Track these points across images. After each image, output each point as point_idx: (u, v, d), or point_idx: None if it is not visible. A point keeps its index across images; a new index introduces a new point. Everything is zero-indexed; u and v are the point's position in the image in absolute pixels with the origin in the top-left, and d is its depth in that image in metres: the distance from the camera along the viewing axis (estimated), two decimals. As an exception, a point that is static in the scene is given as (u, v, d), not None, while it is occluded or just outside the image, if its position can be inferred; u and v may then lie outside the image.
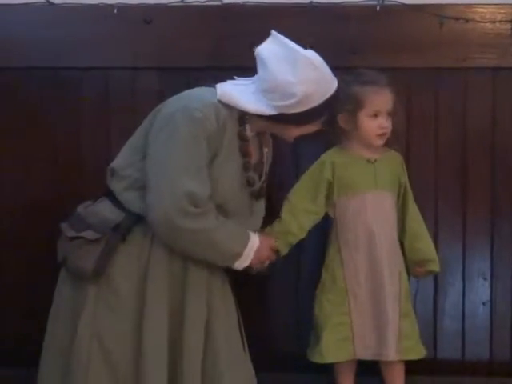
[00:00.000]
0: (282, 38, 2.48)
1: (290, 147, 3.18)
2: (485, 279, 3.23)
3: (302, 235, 2.91)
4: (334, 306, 2.91)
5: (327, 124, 2.93)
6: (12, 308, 3.23)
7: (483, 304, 3.24)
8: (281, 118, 2.48)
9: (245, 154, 2.52)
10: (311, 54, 2.47)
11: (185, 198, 2.34)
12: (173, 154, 2.39)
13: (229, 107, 2.48)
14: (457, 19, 3.15)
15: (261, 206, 2.67)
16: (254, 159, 2.57)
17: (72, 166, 3.22)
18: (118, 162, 2.53)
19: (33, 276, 3.19)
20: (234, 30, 3.10)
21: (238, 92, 2.49)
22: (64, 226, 2.54)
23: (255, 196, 2.58)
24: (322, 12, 3.19)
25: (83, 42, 3.19)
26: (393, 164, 2.97)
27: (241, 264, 2.50)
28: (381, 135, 2.87)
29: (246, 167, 2.53)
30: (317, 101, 2.45)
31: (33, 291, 3.16)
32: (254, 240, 2.53)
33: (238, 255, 2.47)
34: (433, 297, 3.23)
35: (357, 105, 2.84)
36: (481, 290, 3.23)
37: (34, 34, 3.20)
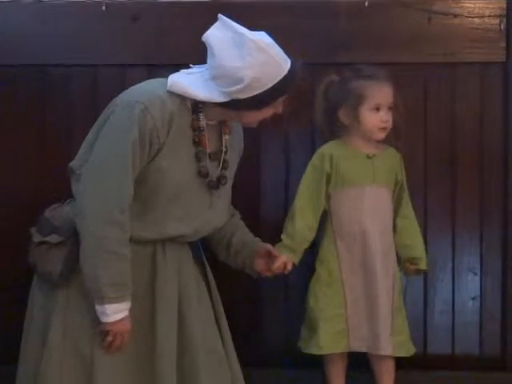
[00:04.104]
0: (230, 21, 2.41)
1: (280, 146, 3.20)
2: (474, 274, 3.24)
3: (314, 236, 2.94)
4: (329, 299, 2.92)
5: (326, 119, 2.96)
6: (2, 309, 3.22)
7: (473, 299, 3.24)
8: (233, 105, 2.40)
9: (198, 143, 2.45)
10: (259, 37, 2.37)
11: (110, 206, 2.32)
12: (103, 153, 2.36)
13: (180, 97, 2.42)
14: (445, 14, 3.16)
15: (222, 196, 2.57)
16: (210, 148, 2.48)
17: (61, 163, 3.19)
18: (74, 161, 2.48)
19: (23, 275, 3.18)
20: (222, 26, 3.09)
21: (189, 81, 2.43)
22: (33, 230, 2.51)
23: (213, 186, 2.49)
24: (311, 8, 3.20)
25: (72, 39, 3.19)
26: (391, 161, 2.99)
27: (99, 310, 2.35)
28: (382, 129, 2.90)
29: (198, 157, 2.45)
30: (268, 84, 2.36)
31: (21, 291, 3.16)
32: (123, 309, 2.36)
33: (99, 293, 2.33)
34: (422, 292, 3.24)
35: (358, 99, 2.87)
36: (470, 285, 3.24)
37: (22, 31, 3.20)
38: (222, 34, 2.39)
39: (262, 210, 3.23)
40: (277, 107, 2.48)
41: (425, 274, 3.15)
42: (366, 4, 3.17)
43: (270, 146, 3.23)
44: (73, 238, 2.40)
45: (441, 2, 3.17)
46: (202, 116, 2.45)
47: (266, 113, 2.47)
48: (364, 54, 3.16)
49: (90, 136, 2.47)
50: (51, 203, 2.58)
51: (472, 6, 3.16)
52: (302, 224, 2.89)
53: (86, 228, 2.33)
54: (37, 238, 2.48)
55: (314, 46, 3.18)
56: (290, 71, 2.40)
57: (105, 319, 2.35)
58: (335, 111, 2.93)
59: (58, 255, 2.40)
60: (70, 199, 2.51)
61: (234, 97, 2.38)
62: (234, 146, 2.61)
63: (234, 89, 2.36)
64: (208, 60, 2.43)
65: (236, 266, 2.74)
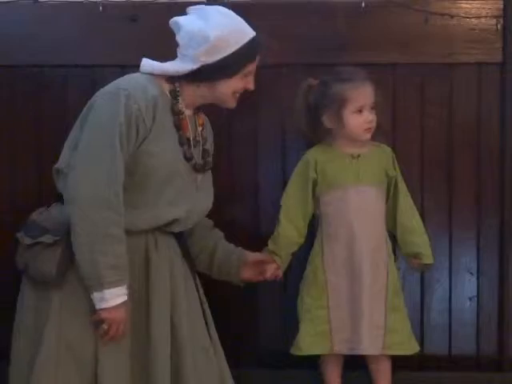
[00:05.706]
0: (195, 7, 2.56)
1: (277, 145, 3.20)
2: (471, 274, 3.24)
3: (302, 240, 2.95)
4: (313, 300, 2.92)
5: (309, 124, 2.96)
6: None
7: (470, 299, 3.25)
8: (204, 73, 2.47)
9: (178, 127, 2.50)
10: (222, 7, 2.54)
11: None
12: (92, 140, 2.38)
13: (158, 84, 2.49)
14: (442, 15, 3.17)
15: (207, 181, 2.63)
16: (190, 135, 2.54)
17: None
18: (60, 162, 2.48)
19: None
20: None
21: (161, 63, 2.54)
22: (19, 235, 2.49)
23: (199, 168, 2.54)
24: (308, 9, 3.20)
25: (68, 40, 3.19)
26: (379, 158, 2.98)
27: (97, 297, 2.34)
28: (368, 129, 2.89)
29: (180, 141, 2.50)
30: (234, 45, 2.46)
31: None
32: (121, 293, 2.36)
33: (98, 279, 2.32)
34: (420, 292, 3.24)
35: (340, 103, 2.86)
36: (467, 286, 3.25)
37: (19, 31, 3.20)
38: (188, 16, 2.54)
39: (260, 208, 3.24)
40: (247, 80, 2.54)
41: (422, 273, 3.17)
42: (363, 5, 3.17)
43: (268, 145, 3.23)
44: (66, 238, 2.38)
45: (438, 3, 3.17)
46: (180, 100, 2.52)
47: (237, 84, 2.53)
48: (361, 54, 3.16)
49: (71, 134, 2.49)
50: (47, 200, 2.57)
51: (469, 6, 3.16)
52: (288, 229, 2.91)
53: (82, 214, 2.32)
54: (28, 240, 2.45)
55: (311, 46, 3.18)
56: (254, 38, 2.51)
57: (104, 305, 2.33)
58: (318, 116, 2.92)
59: (53, 255, 2.39)
60: (56, 202, 2.50)
61: (203, 61, 2.45)
62: (206, 137, 2.65)
63: (202, 49, 2.44)
64: (176, 38, 2.52)
65: (218, 275, 2.76)
